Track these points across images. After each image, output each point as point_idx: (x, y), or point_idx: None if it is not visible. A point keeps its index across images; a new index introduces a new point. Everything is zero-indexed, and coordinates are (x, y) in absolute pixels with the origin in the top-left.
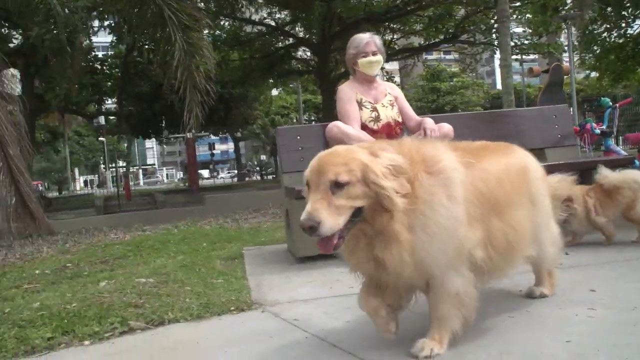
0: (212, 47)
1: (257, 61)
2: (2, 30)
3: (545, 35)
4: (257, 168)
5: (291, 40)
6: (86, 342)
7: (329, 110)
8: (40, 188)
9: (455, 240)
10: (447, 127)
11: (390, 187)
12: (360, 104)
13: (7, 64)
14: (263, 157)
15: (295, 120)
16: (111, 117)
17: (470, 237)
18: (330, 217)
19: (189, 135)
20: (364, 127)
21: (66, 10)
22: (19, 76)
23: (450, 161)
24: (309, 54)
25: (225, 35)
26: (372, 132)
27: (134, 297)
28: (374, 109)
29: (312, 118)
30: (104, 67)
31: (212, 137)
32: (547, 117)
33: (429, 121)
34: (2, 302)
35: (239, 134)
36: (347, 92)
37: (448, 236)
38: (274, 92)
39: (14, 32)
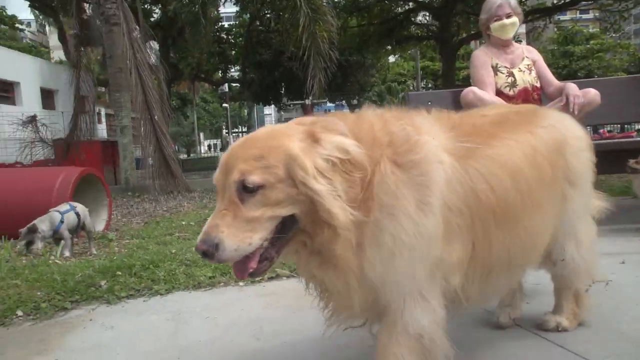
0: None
1: (376, 27)
2: (145, 6)
3: None
4: None
5: (411, 4)
6: (241, 284)
7: (448, 78)
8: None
9: (424, 263)
10: (593, 93)
11: (327, 192)
12: (495, 69)
13: (152, 36)
14: None
15: (412, 88)
16: (234, 84)
17: (446, 260)
18: (235, 236)
19: (307, 101)
20: (499, 93)
21: None
22: (157, 47)
23: (433, 150)
24: (429, 18)
25: (344, 2)
26: (508, 99)
27: None
28: (510, 74)
29: (429, 85)
30: (229, 37)
31: (329, 104)
32: None
33: (571, 86)
34: (163, 246)
35: (354, 101)
36: (481, 57)
37: (411, 258)
38: (391, 58)
39: (155, 8)
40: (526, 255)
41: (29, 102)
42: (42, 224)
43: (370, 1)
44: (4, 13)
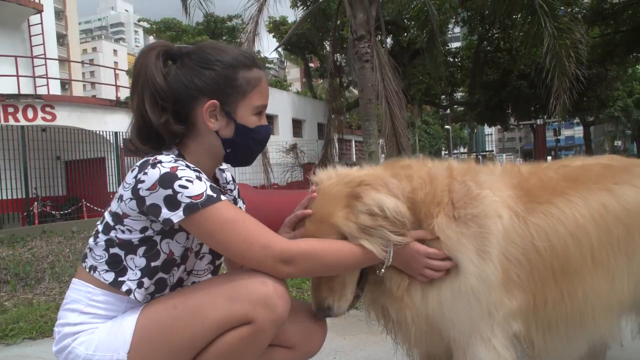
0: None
1: (623, 35)
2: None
3: None
4: None
5: None
6: None
7: None
8: None
9: (483, 305)
10: None
11: (373, 245)
12: None
13: (395, 68)
14: (618, 143)
15: None
16: (455, 106)
17: (506, 305)
18: (338, 298)
19: (539, 122)
20: None
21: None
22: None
23: (493, 205)
24: None
25: (584, 12)
26: None
27: None
28: None
29: None
30: (456, 60)
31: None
32: None
33: None
34: None
35: (590, 118)
36: None
37: (474, 297)
38: None
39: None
40: (586, 318)
41: (284, 131)
42: None
43: (617, 7)
44: (259, 56)
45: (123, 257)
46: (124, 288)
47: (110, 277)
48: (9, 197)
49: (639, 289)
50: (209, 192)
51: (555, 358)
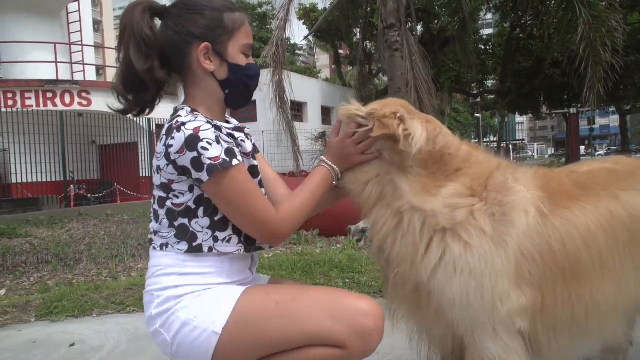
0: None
1: None
2: (408, 25)
3: None
4: None
5: None
6: None
7: None
8: None
9: (487, 291)
10: None
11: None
12: None
13: (425, 56)
14: None
15: None
16: (485, 95)
17: (513, 300)
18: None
19: (572, 111)
20: None
21: None
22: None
23: (523, 200)
24: None
25: None
26: None
27: None
28: None
29: None
30: (487, 47)
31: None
32: None
33: None
34: None
35: (628, 107)
36: None
37: (475, 279)
38: None
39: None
40: (592, 319)
41: (313, 119)
42: None
43: None
44: (289, 43)
45: (188, 224)
46: (205, 248)
47: (184, 246)
48: (48, 180)
49: None
50: (224, 156)
51: (557, 357)
